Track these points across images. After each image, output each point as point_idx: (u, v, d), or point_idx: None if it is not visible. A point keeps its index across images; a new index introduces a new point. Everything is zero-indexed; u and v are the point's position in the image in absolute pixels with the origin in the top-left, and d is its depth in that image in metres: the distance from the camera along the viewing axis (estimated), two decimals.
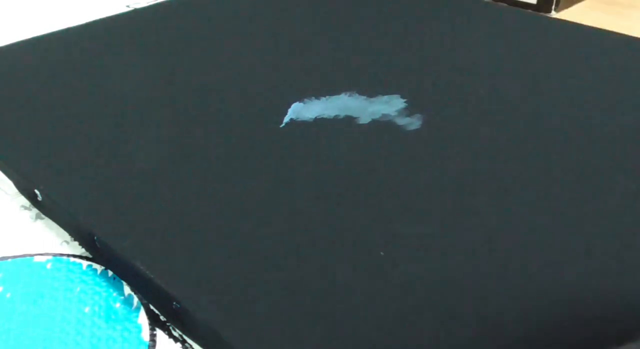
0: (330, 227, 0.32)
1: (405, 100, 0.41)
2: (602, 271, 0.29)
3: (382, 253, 0.30)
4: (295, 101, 0.41)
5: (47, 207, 0.36)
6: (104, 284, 0.32)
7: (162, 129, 0.39)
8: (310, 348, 0.26)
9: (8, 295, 0.31)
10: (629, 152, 0.36)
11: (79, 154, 0.37)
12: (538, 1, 0.60)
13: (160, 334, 0.30)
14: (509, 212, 0.32)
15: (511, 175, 0.35)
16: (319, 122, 0.39)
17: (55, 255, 0.34)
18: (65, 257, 0.34)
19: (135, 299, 0.31)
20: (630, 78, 0.43)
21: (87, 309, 0.31)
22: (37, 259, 0.34)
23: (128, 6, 0.59)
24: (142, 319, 0.30)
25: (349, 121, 0.39)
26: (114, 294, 0.31)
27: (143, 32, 0.52)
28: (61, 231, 0.35)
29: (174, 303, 0.28)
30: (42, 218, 0.36)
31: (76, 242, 0.35)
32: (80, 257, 0.34)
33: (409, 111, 0.40)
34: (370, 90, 0.42)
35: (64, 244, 0.35)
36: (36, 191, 0.35)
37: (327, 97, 0.41)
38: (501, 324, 0.27)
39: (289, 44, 0.49)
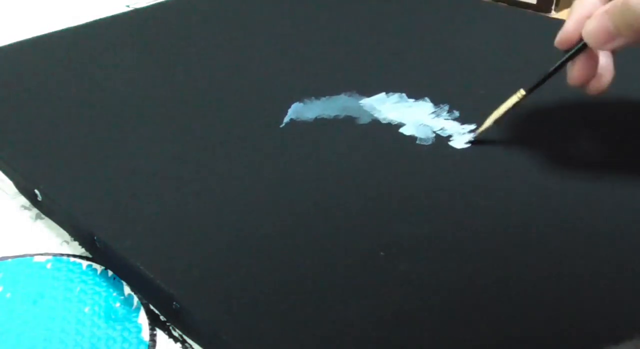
0: (330, 227, 0.32)
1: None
2: (601, 271, 0.29)
3: (382, 253, 0.30)
4: (295, 101, 0.41)
5: (47, 207, 0.36)
6: (104, 284, 0.32)
7: (162, 129, 0.39)
8: (310, 348, 0.26)
9: (8, 295, 0.31)
10: (627, 145, 0.36)
11: (79, 154, 0.37)
12: (538, 1, 0.60)
13: (160, 334, 0.30)
14: (508, 212, 0.32)
15: (511, 175, 0.35)
16: (319, 122, 0.39)
17: (55, 255, 0.34)
18: (65, 257, 0.34)
19: (135, 299, 0.31)
20: (630, 77, 0.43)
21: (87, 309, 0.31)
22: (37, 259, 0.33)
23: (128, 6, 0.59)
24: (142, 319, 0.30)
25: (349, 121, 0.39)
26: (114, 294, 0.31)
27: (143, 32, 0.52)
28: (61, 231, 0.35)
29: (174, 303, 0.28)
30: (42, 218, 0.36)
31: (76, 242, 0.34)
32: (80, 257, 0.34)
33: None
34: (370, 90, 0.42)
35: (64, 244, 0.35)
36: (36, 191, 0.35)
37: (327, 97, 0.41)
38: (501, 323, 0.27)
39: (289, 44, 0.49)
